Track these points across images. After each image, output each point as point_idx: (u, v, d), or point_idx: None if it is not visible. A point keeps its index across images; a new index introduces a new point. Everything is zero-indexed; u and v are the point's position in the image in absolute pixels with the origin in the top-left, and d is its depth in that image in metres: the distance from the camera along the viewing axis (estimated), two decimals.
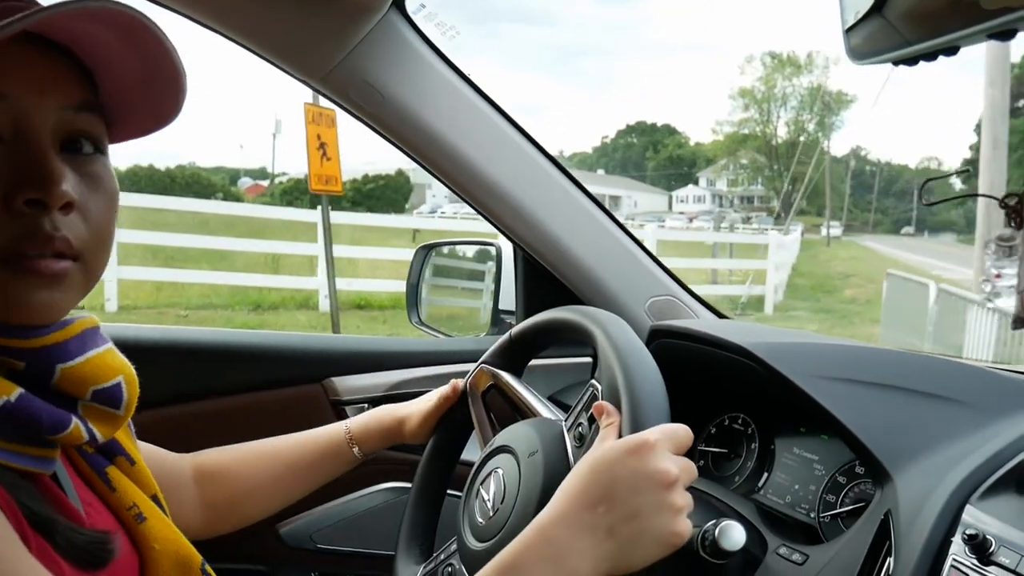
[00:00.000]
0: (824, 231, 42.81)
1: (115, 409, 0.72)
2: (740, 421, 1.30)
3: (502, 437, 1.00)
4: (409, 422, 1.16)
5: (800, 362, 1.05)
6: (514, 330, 1.12)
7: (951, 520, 0.81)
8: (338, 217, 12.65)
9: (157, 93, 0.74)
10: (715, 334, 1.18)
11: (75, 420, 0.68)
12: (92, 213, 0.70)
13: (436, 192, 49.37)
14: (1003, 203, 0.71)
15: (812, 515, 1.13)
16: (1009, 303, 0.72)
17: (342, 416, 1.49)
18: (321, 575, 1.58)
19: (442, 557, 1.05)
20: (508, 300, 1.65)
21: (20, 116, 0.66)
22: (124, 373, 0.74)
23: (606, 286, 1.49)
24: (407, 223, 16.83)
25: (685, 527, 0.74)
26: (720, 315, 1.57)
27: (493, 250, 1.70)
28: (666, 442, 0.75)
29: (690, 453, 1.33)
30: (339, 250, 10.82)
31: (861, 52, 0.73)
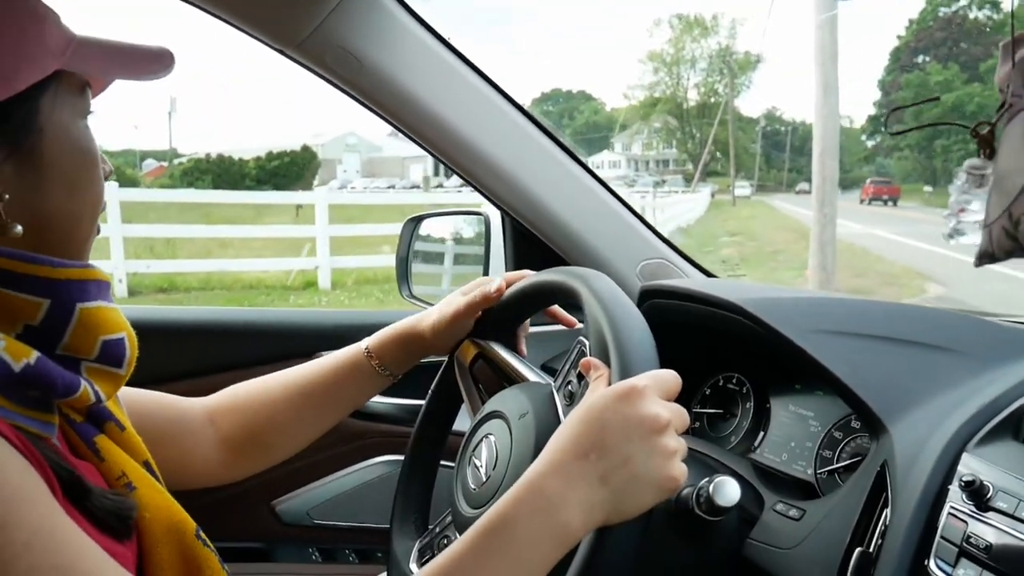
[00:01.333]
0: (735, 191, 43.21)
1: (117, 368, 0.74)
2: (735, 381, 1.29)
3: (492, 403, 0.98)
4: (427, 321, 1.09)
5: (793, 317, 1.04)
6: (505, 295, 1.10)
7: (948, 468, 0.80)
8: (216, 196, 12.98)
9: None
10: (706, 292, 1.16)
11: (83, 382, 0.69)
12: None
13: (347, 167, 48.65)
14: (974, 132, 0.70)
15: (809, 471, 1.12)
16: (974, 240, 0.70)
17: None
18: (319, 550, 1.58)
19: (437, 530, 1.04)
20: (498, 270, 1.63)
21: None
22: (127, 331, 0.76)
23: (597, 250, 1.47)
24: (290, 199, 16.19)
25: (680, 471, 0.73)
26: (711, 275, 1.56)
27: (482, 219, 1.68)
28: (654, 387, 0.74)
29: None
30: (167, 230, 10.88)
31: None
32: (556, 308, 1.14)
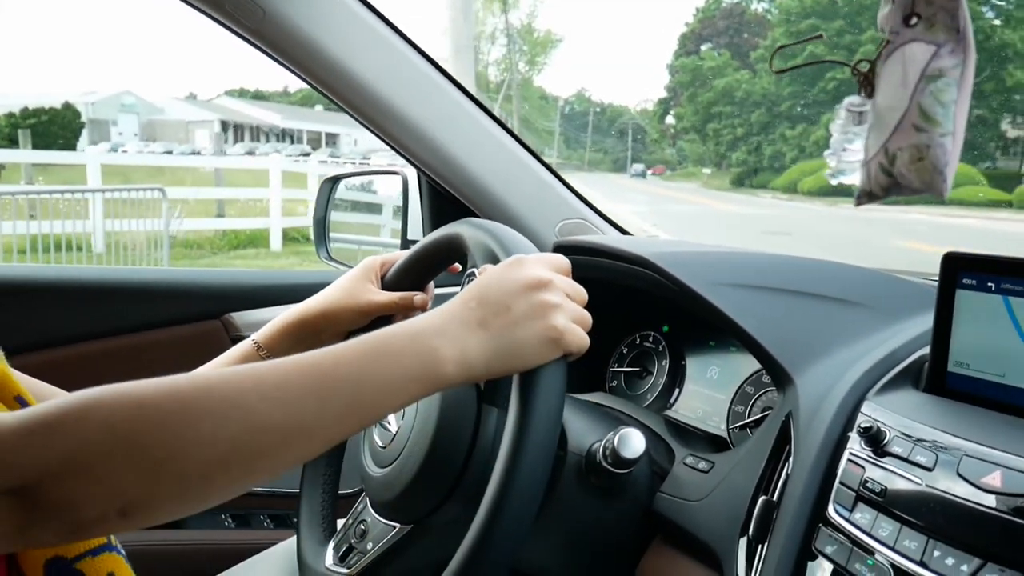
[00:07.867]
0: None
1: None
2: (651, 339, 1.29)
3: None
4: (322, 307, 1.00)
5: (701, 270, 1.04)
6: (396, 265, 1.02)
7: (848, 416, 0.81)
8: None
9: None
10: (615, 246, 1.16)
11: None
12: None
13: (123, 129, 44.47)
14: (855, 70, 0.69)
15: (723, 427, 1.13)
16: (854, 179, 0.70)
17: None
18: (232, 516, 1.54)
19: (351, 522, 1.01)
20: (416, 230, 1.61)
21: None
22: None
23: (515, 209, 1.46)
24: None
25: (562, 323, 0.72)
26: (627, 233, 1.56)
27: (399, 179, 1.64)
28: (540, 259, 0.75)
29: (602, 374, 1.33)
30: None
31: None
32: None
